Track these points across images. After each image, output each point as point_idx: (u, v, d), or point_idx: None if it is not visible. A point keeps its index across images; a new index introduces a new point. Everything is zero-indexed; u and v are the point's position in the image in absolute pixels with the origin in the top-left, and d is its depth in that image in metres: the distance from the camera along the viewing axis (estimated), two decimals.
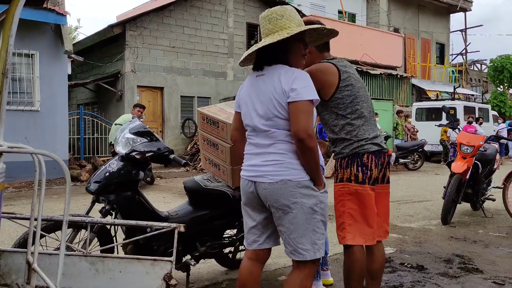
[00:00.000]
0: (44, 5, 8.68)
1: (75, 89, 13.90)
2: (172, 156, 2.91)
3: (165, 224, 2.13)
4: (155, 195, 7.47)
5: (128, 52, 11.64)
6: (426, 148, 13.00)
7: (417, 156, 12.76)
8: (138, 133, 2.93)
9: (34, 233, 1.76)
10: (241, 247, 3.40)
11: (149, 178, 8.57)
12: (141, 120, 8.99)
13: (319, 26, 2.20)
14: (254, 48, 2.12)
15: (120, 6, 61.21)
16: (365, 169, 2.37)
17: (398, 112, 14.86)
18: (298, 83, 1.99)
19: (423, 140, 12.84)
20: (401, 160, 12.49)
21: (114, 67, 12.08)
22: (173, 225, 2.06)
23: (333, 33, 2.31)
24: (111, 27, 11.49)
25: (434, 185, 8.64)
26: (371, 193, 2.39)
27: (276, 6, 2.20)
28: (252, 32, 14.16)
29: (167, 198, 7.14)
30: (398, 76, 18.07)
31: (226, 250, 3.38)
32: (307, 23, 2.26)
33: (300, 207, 2.02)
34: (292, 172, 2.02)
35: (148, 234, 2.42)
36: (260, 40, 2.15)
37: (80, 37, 19.27)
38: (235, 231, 3.33)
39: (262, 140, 2.09)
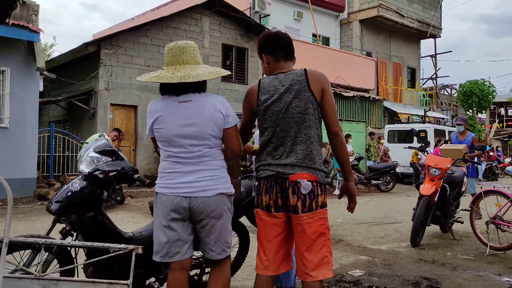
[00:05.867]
0: (9, 21, 8.54)
1: (47, 106, 13.62)
2: (136, 175, 2.86)
3: (122, 245, 2.07)
4: (125, 215, 7.30)
5: (102, 70, 11.52)
6: (398, 170, 13.21)
7: (389, 177, 12.94)
8: (103, 152, 2.87)
9: None
10: (207, 269, 3.35)
11: (119, 198, 8.38)
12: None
13: (227, 73, 2.53)
14: (202, 78, 2.32)
15: (99, 24, 60.89)
16: (259, 194, 2.41)
17: (370, 134, 15.12)
18: (229, 111, 2.40)
19: (395, 162, 13.07)
20: (373, 182, 12.66)
21: (87, 84, 11.92)
22: (130, 246, 2.00)
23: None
24: (85, 45, 11.37)
25: (405, 207, 8.75)
26: (265, 219, 2.39)
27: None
28: (228, 52, 14.27)
29: (136, 218, 6.98)
30: (371, 98, 18.46)
31: (192, 272, 3.30)
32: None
33: (227, 213, 2.42)
34: (225, 186, 2.40)
35: (104, 256, 2.34)
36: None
37: (56, 54, 19.01)
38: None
39: (193, 159, 2.34)
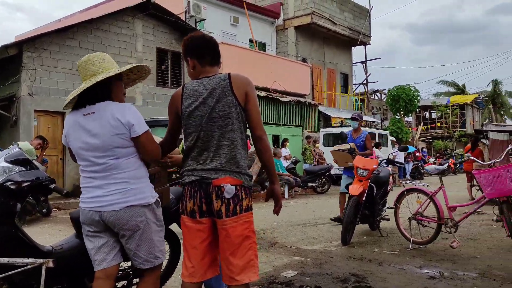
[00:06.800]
0: None
1: None
2: (52, 185, 2.69)
3: (30, 260, 1.93)
4: (51, 228, 6.90)
5: (24, 75, 10.81)
6: (332, 172, 13.65)
7: (324, 179, 13.33)
8: (16, 161, 2.67)
9: None
10: (134, 280, 3.24)
11: (45, 210, 7.89)
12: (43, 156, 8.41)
13: (132, 66, 2.56)
14: (82, 88, 2.37)
15: (23, 26, 57.34)
16: (183, 200, 2.38)
17: (307, 138, 15.54)
18: (134, 119, 2.35)
19: (329, 164, 13.49)
20: (310, 184, 12.99)
21: (8, 90, 11.13)
22: (40, 260, 1.87)
23: (146, 71, 2.68)
24: (5, 47, 10.60)
25: (339, 207, 9.03)
26: (189, 225, 2.36)
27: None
28: (163, 57, 14.01)
29: (63, 231, 6.59)
30: (307, 103, 18.95)
31: (119, 284, 3.17)
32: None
33: (147, 223, 2.39)
34: (137, 197, 2.36)
35: (11, 272, 2.18)
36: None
37: None
38: (129, 263, 3.15)
39: (100, 172, 2.36)
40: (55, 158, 11.28)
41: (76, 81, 11.62)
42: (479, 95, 36.72)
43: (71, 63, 11.62)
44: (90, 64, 2.43)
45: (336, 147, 7.04)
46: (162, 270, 3.44)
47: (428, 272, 4.17)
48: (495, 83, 39.16)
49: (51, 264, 1.86)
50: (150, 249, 2.44)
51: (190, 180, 2.34)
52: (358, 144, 6.90)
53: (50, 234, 6.25)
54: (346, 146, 6.69)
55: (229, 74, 2.38)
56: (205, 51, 2.44)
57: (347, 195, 5.98)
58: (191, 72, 2.49)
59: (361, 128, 7.24)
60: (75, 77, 11.62)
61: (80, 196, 2.48)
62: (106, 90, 2.41)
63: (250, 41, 19.52)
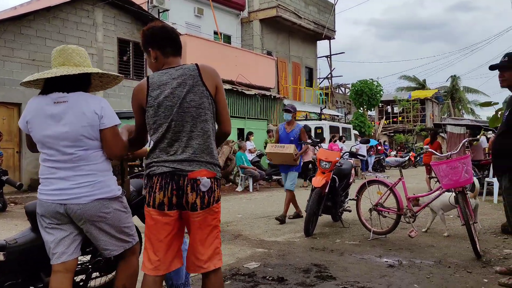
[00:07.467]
0: None
1: None
2: (5, 177, 2.60)
3: None
4: (6, 223, 6.64)
5: None
6: None
7: None
8: None
9: None
10: (94, 274, 3.15)
11: (0, 205, 7.57)
12: None
13: (115, 74, 2.64)
14: (67, 72, 2.32)
15: None
16: (151, 191, 2.29)
17: (268, 132, 15.62)
18: (106, 112, 2.35)
19: None
20: (274, 177, 13.07)
21: None
22: None
23: (118, 78, 2.69)
24: None
25: (304, 199, 9.13)
26: (156, 218, 2.28)
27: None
28: (124, 47, 13.65)
29: (20, 226, 6.35)
30: (272, 96, 19.02)
31: (77, 278, 3.09)
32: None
33: (114, 212, 2.40)
34: (104, 190, 2.35)
35: None
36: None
37: None
38: (88, 257, 3.07)
39: (67, 163, 2.31)
40: (11, 151, 10.82)
41: (33, 71, 11.16)
42: (438, 90, 38.05)
43: (27, 52, 11.15)
44: (76, 54, 2.43)
45: (275, 149, 6.69)
46: None
47: (387, 261, 4.29)
48: (454, 78, 40.67)
49: (1, 257, 1.78)
50: (120, 236, 2.47)
51: (161, 171, 2.25)
52: (292, 138, 6.72)
53: (5, 230, 6.01)
54: (290, 148, 6.56)
55: (196, 64, 2.36)
56: (167, 41, 2.40)
57: (311, 188, 6.02)
58: (153, 64, 2.43)
59: (295, 120, 7.04)
60: (32, 67, 11.16)
61: (39, 187, 2.39)
62: (86, 83, 2.45)
63: (215, 33, 19.36)
